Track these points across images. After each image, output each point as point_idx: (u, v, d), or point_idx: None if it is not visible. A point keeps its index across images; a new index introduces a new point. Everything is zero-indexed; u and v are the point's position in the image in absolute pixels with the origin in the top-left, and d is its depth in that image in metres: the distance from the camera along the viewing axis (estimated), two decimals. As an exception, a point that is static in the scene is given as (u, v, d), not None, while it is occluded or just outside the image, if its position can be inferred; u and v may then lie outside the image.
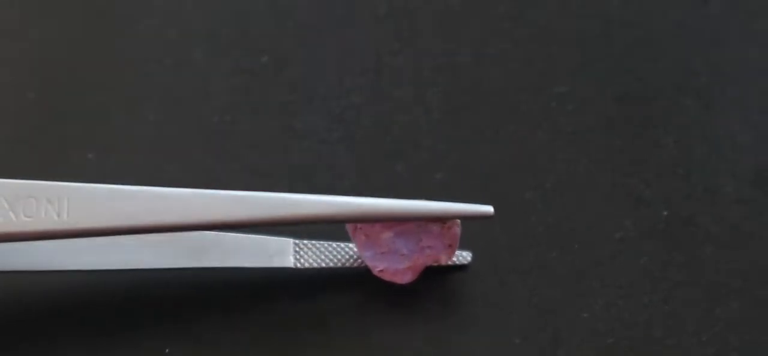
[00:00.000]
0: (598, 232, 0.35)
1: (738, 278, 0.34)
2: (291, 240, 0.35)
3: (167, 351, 0.33)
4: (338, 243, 0.35)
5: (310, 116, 0.38)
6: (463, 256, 0.35)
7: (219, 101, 0.38)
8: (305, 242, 0.35)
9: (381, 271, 0.34)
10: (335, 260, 0.34)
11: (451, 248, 0.34)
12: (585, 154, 0.37)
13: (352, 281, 0.34)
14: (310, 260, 0.34)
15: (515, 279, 0.34)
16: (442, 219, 0.33)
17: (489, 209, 0.34)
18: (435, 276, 0.34)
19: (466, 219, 0.34)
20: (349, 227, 0.34)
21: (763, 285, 0.34)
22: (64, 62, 0.39)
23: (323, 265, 0.34)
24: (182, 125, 0.38)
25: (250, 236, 0.34)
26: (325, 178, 0.36)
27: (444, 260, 0.34)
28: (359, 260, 0.34)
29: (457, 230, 0.34)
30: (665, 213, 0.36)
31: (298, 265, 0.34)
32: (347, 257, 0.35)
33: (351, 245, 0.34)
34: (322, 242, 0.35)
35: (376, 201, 0.33)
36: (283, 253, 0.34)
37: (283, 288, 0.34)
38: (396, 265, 0.34)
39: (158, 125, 0.38)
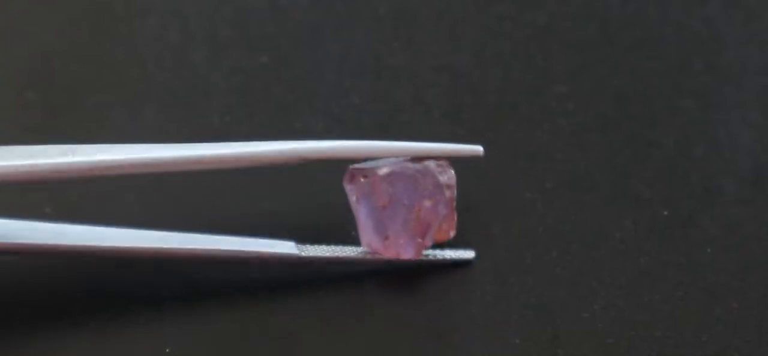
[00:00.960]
0: (598, 232, 0.35)
1: (738, 278, 0.34)
2: (293, 243, 0.34)
3: (167, 350, 0.33)
4: (342, 246, 0.35)
5: (310, 116, 0.38)
6: (467, 254, 0.35)
7: (219, 101, 0.38)
8: (307, 246, 0.34)
9: (386, 240, 0.34)
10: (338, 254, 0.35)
11: (451, 203, 0.34)
12: (585, 154, 0.37)
13: (353, 280, 0.34)
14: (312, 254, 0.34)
15: (515, 279, 0.34)
16: (433, 157, 0.34)
17: (478, 148, 0.34)
18: (435, 276, 0.34)
19: (456, 158, 0.34)
20: (347, 182, 0.34)
21: (763, 285, 0.34)
22: (64, 62, 0.39)
23: (327, 254, 0.34)
24: (182, 125, 0.38)
25: (252, 238, 0.34)
26: (324, 178, 0.36)
27: (446, 231, 0.34)
28: (364, 252, 0.34)
29: (452, 172, 0.34)
30: (665, 213, 0.36)
31: (303, 254, 0.34)
32: (350, 253, 0.35)
33: (353, 247, 0.34)
34: (324, 246, 0.35)
35: (369, 142, 0.34)
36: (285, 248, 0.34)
37: (283, 287, 0.34)
38: (398, 229, 0.34)
39: (158, 125, 0.38)
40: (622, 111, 0.38)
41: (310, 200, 0.36)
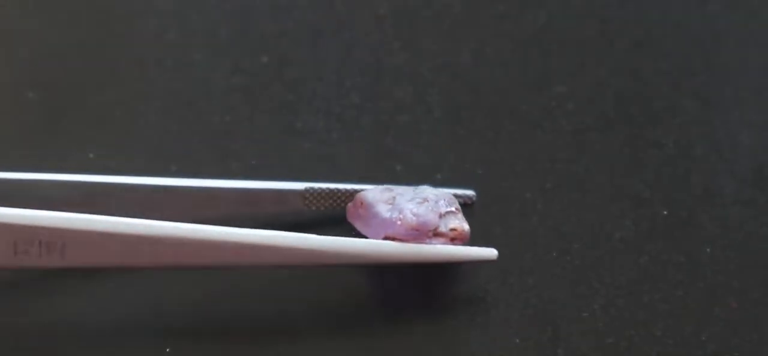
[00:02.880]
0: (598, 232, 0.35)
1: (738, 278, 0.34)
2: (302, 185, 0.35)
3: (167, 350, 0.33)
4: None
5: (310, 116, 0.38)
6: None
7: (219, 101, 0.38)
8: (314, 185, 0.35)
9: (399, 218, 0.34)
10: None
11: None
12: (585, 154, 0.37)
13: (353, 279, 0.34)
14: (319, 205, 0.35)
15: (515, 279, 0.34)
16: (447, 262, 0.34)
17: (493, 252, 0.34)
18: (435, 276, 0.34)
19: (470, 262, 0.34)
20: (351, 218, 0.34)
21: (763, 285, 0.34)
22: (64, 62, 0.39)
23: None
24: (182, 125, 0.38)
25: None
26: (325, 178, 0.36)
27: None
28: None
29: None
30: (665, 213, 0.36)
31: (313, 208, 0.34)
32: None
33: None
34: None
35: (386, 244, 0.33)
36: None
37: (281, 287, 0.34)
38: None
39: (158, 125, 0.38)
40: (622, 111, 0.38)
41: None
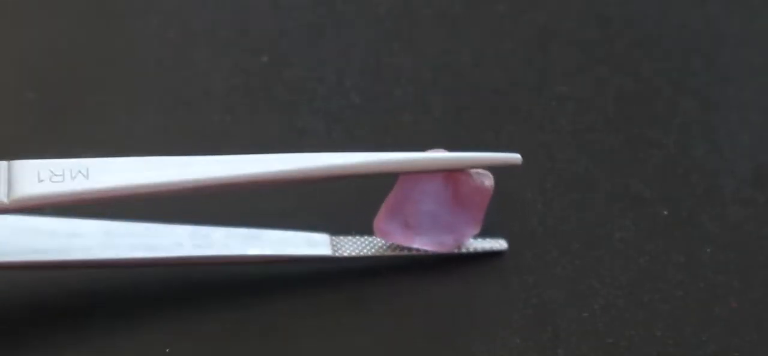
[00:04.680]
0: (598, 232, 0.35)
1: (738, 278, 0.35)
2: (327, 236, 0.34)
3: (167, 350, 0.33)
4: (373, 237, 0.35)
5: (310, 116, 0.38)
6: (499, 243, 0.35)
7: (219, 101, 0.38)
8: (340, 237, 0.35)
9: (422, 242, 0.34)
10: (371, 249, 0.35)
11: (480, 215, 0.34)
12: (585, 154, 0.37)
13: (352, 281, 0.34)
14: (347, 252, 0.34)
15: (515, 279, 0.35)
16: (469, 167, 0.33)
17: (517, 156, 0.34)
18: (435, 276, 0.35)
19: (494, 167, 0.34)
20: (377, 225, 0.34)
21: (763, 285, 0.34)
22: (64, 62, 0.39)
23: (361, 253, 0.34)
24: (182, 125, 0.38)
25: (288, 231, 0.34)
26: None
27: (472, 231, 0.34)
28: (396, 248, 0.34)
29: (489, 183, 0.34)
30: (665, 213, 0.36)
31: (337, 254, 0.34)
32: (382, 246, 0.35)
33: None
34: (357, 236, 0.35)
35: (402, 155, 0.33)
36: (320, 245, 0.34)
37: (281, 287, 0.34)
38: (434, 236, 0.34)
39: (158, 125, 0.38)
40: (622, 111, 0.38)
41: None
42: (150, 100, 0.38)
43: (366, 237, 0.35)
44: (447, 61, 0.39)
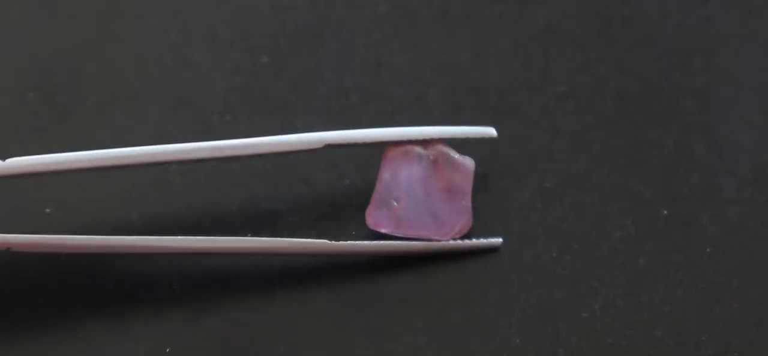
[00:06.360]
0: (598, 232, 0.35)
1: (738, 278, 0.35)
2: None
3: (167, 350, 0.33)
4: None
5: (310, 116, 0.38)
6: (494, 240, 0.35)
7: (219, 101, 0.38)
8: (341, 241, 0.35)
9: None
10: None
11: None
12: (585, 154, 0.37)
13: (352, 281, 0.34)
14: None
15: (515, 278, 0.34)
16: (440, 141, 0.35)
17: (491, 130, 0.35)
18: (435, 276, 0.35)
19: (468, 139, 0.35)
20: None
21: (763, 285, 0.34)
22: (64, 62, 0.39)
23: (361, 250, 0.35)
24: (182, 125, 0.38)
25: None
26: (325, 178, 0.36)
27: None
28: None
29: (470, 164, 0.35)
30: (665, 213, 0.36)
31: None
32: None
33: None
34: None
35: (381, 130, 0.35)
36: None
37: (281, 286, 0.34)
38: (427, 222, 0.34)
39: (158, 125, 0.38)
40: (622, 111, 0.38)
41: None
42: (150, 100, 0.38)
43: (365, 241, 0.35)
44: (446, 61, 0.39)
